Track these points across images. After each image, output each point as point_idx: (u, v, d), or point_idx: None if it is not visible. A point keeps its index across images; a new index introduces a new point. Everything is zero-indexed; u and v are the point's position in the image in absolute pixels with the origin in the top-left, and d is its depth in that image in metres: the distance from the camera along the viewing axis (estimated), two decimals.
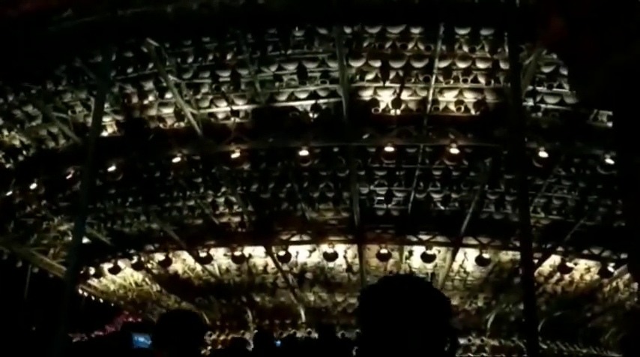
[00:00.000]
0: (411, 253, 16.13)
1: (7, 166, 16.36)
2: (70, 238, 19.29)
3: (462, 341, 17.82)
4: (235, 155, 12.86)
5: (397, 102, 12.24)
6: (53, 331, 8.20)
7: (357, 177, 13.83)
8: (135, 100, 13.25)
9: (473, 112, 12.35)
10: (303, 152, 12.57)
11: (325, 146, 13.07)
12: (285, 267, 17.02)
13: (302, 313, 18.51)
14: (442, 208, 14.69)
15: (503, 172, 13.64)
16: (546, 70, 11.55)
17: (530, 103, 12.09)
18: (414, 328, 1.77)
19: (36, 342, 10.13)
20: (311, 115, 12.66)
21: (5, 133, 15.24)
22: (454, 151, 12.20)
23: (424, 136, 12.60)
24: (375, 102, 12.37)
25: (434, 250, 15.33)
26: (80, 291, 22.91)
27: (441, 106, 12.40)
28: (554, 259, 16.32)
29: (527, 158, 12.38)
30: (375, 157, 13.41)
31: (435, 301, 1.85)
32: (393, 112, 12.40)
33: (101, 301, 24.84)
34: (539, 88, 11.80)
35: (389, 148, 12.35)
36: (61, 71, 12.89)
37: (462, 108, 12.33)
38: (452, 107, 12.40)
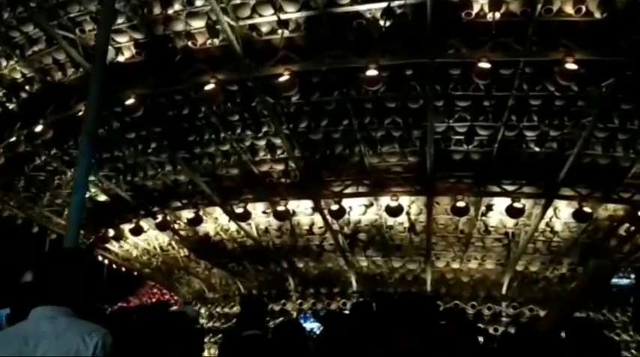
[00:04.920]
0: (489, 207, 13.36)
1: (10, 106, 13.92)
2: (87, 195, 16.91)
3: (542, 314, 15.08)
4: (283, 79, 10.15)
5: (497, 2, 9.38)
6: None
7: (433, 109, 11.06)
8: (157, 10, 10.58)
9: (597, 14, 9.43)
10: (371, 72, 9.81)
11: (396, 66, 10.30)
12: (335, 226, 14.39)
13: (353, 280, 15.91)
14: (536, 149, 11.84)
15: (620, 99, 10.74)
16: None
17: None
18: None
19: None
20: (382, 23, 9.87)
21: (4, 63, 12.75)
22: (570, 66, 9.32)
23: (528, 50, 9.72)
24: (467, 3, 9.54)
25: (521, 203, 12.52)
26: (100, 258, 20.72)
27: (555, 7, 9.49)
28: None
29: None
30: (459, 81, 10.65)
31: None
32: (489, 16, 9.56)
33: (123, 269, 22.60)
34: None
35: (483, 64, 9.52)
36: None
37: (583, 9, 9.41)
38: (568, 9, 9.49)
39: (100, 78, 7.40)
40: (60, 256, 2.76)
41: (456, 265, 15.22)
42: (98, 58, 7.53)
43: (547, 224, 13.79)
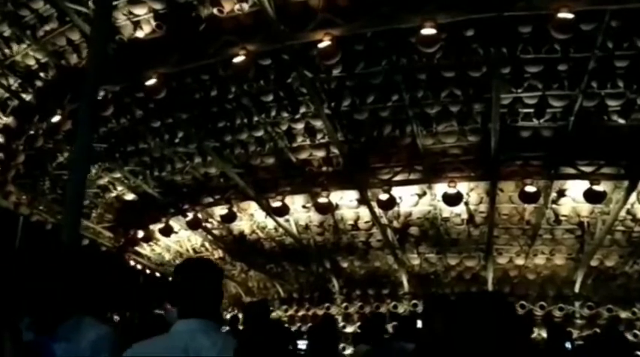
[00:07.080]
0: (560, 193, 11.66)
1: (27, 98, 12.88)
2: (114, 195, 15.84)
3: (623, 315, 13.29)
4: (323, 45, 8.72)
5: None
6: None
7: (499, 76, 9.46)
8: None
9: None
10: (427, 31, 8.30)
11: (454, 26, 8.75)
12: (383, 219, 12.89)
13: (404, 280, 14.34)
14: (620, 121, 10.11)
15: None
16: None
17: None
18: None
19: None
20: None
21: (15, 47, 11.68)
22: None
23: None
24: None
25: (601, 187, 10.78)
26: (132, 263, 19.70)
27: None
28: None
29: None
30: (529, 41, 9.04)
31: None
32: None
33: (158, 274, 21.51)
34: None
35: (564, 15, 7.91)
36: None
37: None
38: None
39: (100, 42, 6.13)
40: (201, 268, 2.64)
41: (520, 261, 13.49)
42: (97, 15, 6.26)
43: (628, 211, 11.99)
